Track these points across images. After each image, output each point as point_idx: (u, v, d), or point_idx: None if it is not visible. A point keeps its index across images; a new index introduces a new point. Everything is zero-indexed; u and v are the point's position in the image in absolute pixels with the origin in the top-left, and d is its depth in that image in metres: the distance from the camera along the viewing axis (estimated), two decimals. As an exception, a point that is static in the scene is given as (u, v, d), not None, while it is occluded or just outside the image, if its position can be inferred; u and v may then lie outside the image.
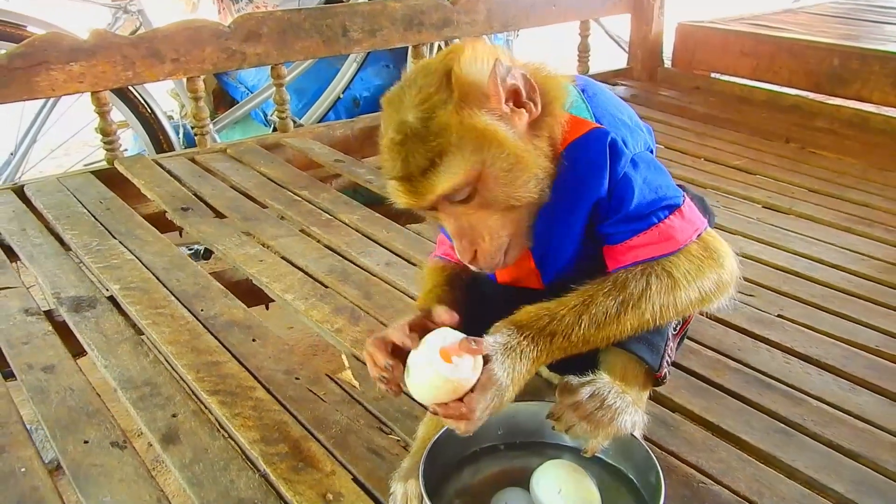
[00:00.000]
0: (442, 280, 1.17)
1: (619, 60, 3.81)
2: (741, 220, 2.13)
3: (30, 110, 2.83)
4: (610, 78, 3.58)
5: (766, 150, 2.70)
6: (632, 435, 1.04)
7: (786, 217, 2.17)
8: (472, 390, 0.94)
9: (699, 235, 1.09)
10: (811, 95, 3.22)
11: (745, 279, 1.79)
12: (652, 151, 1.17)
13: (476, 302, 1.13)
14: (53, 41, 2.32)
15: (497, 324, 1.01)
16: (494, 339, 0.98)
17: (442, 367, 0.91)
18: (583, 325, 1.00)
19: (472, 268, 1.03)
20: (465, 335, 0.95)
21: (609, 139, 1.04)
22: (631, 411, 1.03)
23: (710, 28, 3.60)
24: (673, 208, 1.08)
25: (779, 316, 1.64)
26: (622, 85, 3.50)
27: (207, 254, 2.68)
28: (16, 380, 1.39)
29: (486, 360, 0.96)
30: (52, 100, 2.72)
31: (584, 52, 3.50)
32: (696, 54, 3.61)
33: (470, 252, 1.01)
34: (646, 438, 1.24)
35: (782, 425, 1.29)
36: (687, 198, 1.12)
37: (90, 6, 3.17)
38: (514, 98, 0.99)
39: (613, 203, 1.05)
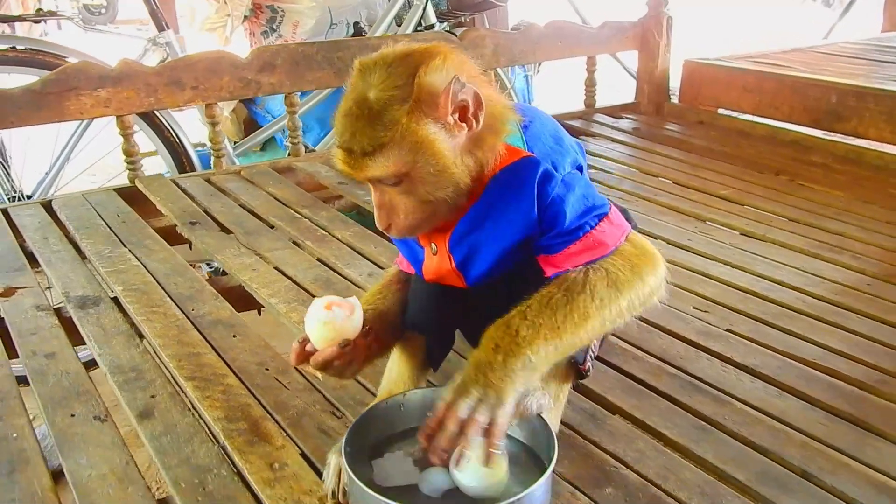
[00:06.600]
0: (384, 283, 1.37)
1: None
2: (714, 245, 2.23)
3: (65, 133, 3.06)
4: (617, 112, 3.71)
5: (755, 181, 2.80)
6: (538, 415, 1.16)
7: (759, 243, 2.27)
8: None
9: (626, 237, 1.20)
10: (811, 131, 3.32)
11: (703, 297, 1.91)
12: (581, 167, 1.29)
13: (409, 296, 1.29)
14: (83, 69, 2.54)
15: None
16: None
17: (321, 313, 1.13)
18: (532, 309, 1.10)
19: (386, 233, 1.19)
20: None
21: (539, 166, 1.17)
22: (538, 395, 1.15)
23: (715, 65, 3.72)
24: (602, 216, 1.19)
25: (727, 330, 1.74)
26: (628, 118, 3.63)
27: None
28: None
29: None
30: (84, 123, 2.95)
31: (590, 86, 3.65)
32: (702, 90, 3.73)
33: (386, 223, 1.16)
34: (573, 429, 1.37)
35: (703, 423, 1.40)
36: (612, 205, 1.25)
37: (124, 39, 3.43)
38: (461, 112, 1.12)
39: (546, 223, 1.17)
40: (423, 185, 1.12)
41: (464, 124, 1.12)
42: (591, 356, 1.29)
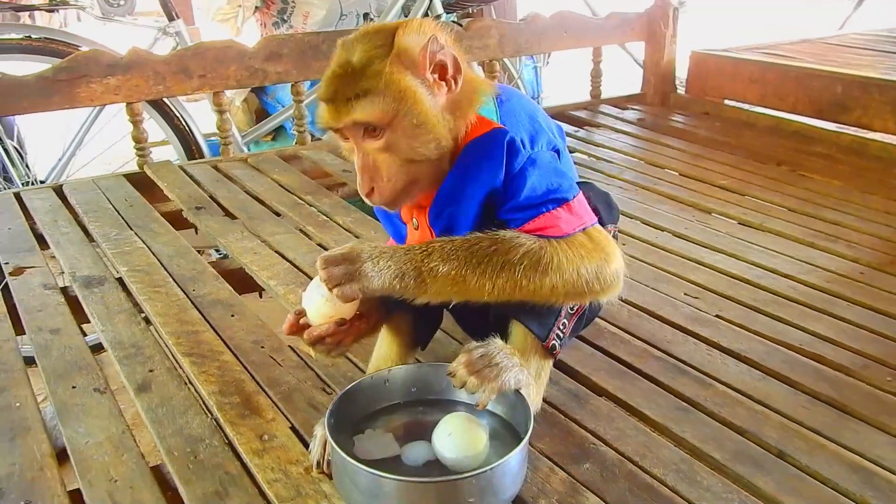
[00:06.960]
0: None
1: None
2: (710, 233, 2.26)
3: (77, 120, 3.12)
4: (623, 103, 3.73)
5: (756, 171, 2.81)
6: (516, 391, 1.20)
7: (756, 232, 2.29)
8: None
9: (585, 229, 1.22)
10: (815, 122, 3.32)
11: (695, 283, 1.94)
12: (558, 149, 1.31)
13: None
14: (94, 57, 2.60)
15: None
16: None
17: (323, 289, 1.15)
18: (455, 243, 1.16)
19: (367, 201, 1.22)
20: None
21: (508, 138, 1.20)
22: (516, 371, 1.19)
23: (721, 56, 3.73)
24: (561, 202, 1.22)
25: (717, 316, 1.77)
26: (633, 109, 3.65)
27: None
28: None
29: None
30: (95, 111, 3.01)
31: (596, 77, 3.67)
32: (708, 81, 3.74)
33: (368, 187, 1.20)
34: (556, 408, 1.41)
35: (684, 404, 1.43)
36: (579, 195, 1.26)
37: (136, 29, 3.50)
38: (440, 72, 1.17)
39: (508, 194, 1.21)
40: (405, 137, 1.16)
41: (443, 83, 1.17)
42: (557, 335, 1.31)
